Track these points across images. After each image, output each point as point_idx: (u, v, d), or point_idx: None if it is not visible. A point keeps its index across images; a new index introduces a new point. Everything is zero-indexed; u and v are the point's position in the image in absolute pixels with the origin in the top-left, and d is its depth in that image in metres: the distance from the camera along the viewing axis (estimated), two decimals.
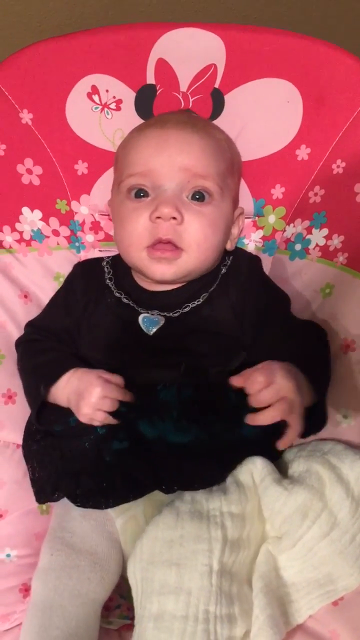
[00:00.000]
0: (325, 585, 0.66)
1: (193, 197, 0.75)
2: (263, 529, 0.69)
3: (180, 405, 0.71)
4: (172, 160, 0.74)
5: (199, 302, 0.78)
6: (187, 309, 0.77)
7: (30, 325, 0.84)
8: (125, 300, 0.79)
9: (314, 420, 0.70)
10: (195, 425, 0.71)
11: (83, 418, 0.71)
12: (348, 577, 0.66)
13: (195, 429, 0.70)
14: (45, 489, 0.74)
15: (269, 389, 0.64)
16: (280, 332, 0.75)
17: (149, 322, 0.77)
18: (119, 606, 0.76)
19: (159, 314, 0.77)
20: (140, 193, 0.75)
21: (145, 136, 0.76)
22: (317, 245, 0.84)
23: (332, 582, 0.66)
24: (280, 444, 0.67)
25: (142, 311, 0.78)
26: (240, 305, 0.77)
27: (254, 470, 0.68)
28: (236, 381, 0.64)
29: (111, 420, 0.70)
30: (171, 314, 0.77)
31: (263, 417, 0.64)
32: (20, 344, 0.83)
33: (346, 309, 0.78)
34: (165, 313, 0.77)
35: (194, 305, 0.78)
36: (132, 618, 0.73)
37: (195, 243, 0.74)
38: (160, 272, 0.75)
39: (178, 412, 0.71)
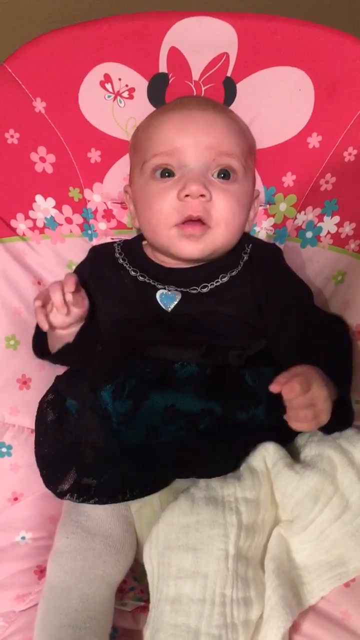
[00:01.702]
0: (337, 568, 0.67)
1: (218, 176, 0.76)
2: (275, 512, 0.70)
3: (196, 382, 0.72)
4: (198, 139, 0.75)
5: (218, 284, 0.78)
6: (205, 289, 0.78)
7: None
8: (141, 278, 0.80)
9: (339, 417, 0.67)
10: (209, 398, 0.71)
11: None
12: (359, 559, 0.67)
13: (209, 401, 0.71)
14: (57, 476, 0.73)
15: (303, 397, 0.62)
16: (306, 326, 0.75)
17: (166, 298, 0.77)
18: (132, 588, 0.76)
19: (176, 289, 0.78)
20: (166, 173, 0.76)
21: (168, 117, 0.77)
22: (328, 232, 0.85)
23: (343, 564, 0.67)
24: (274, 387, 0.63)
25: (159, 286, 0.78)
26: (265, 296, 0.78)
27: (266, 455, 0.69)
28: (274, 388, 0.62)
29: (40, 317, 0.74)
30: (188, 289, 0.78)
31: (293, 423, 0.63)
32: None
33: (358, 295, 0.78)
34: (182, 288, 0.78)
35: (212, 286, 0.78)
36: (146, 600, 0.74)
37: (223, 220, 0.75)
38: (189, 250, 0.76)
39: (193, 388, 0.72)
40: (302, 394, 0.61)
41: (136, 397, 0.72)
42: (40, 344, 0.82)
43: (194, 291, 0.78)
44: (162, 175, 0.76)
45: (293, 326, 0.76)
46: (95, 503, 0.69)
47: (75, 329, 0.78)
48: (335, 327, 0.77)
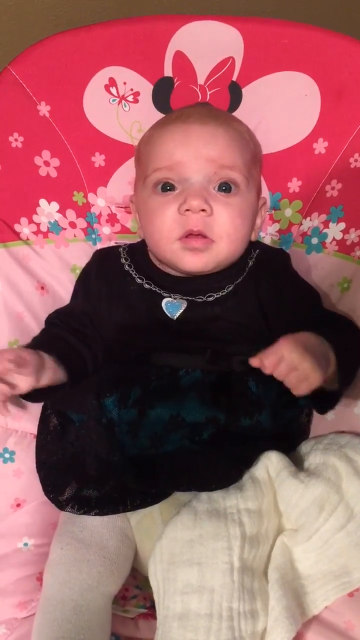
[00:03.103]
0: (341, 577, 0.67)
1: (220, 189, 0.75)
2: (278, 522, 0.69)
3: (200, 389, 0.72)
4: (198, 153, 0.74)
5: (224, 293, 0.78)
6: (211, 299, 0.77)
7: (55, 311, 0.85)
8: (147, 286, 0.80)
9: (327, 399, 0.71)
10: (214, 406, 0.71)
11: None
12: None
13: (213, 409, 0.71)
14: (58, 486, 0.73)
15: (281, 365, 0.63)
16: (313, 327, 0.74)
17: (172, 306, 0.77)
18: (134, 596, 0.76)
19: (181, 298, 0.78)
20: (167, 187, 0.75)
21: (168, 131, 0.76)
22: (334, 239, 0.84)
23: (347, 574, 0.66)
24: (254, 361, 0.65)
25: (165, 295, 0.78)
26: (271, 302, 0.77)
27: (269, 464, 0.69)
28: (254, 363, 0.64)
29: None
30: (194, 298, 0.78)
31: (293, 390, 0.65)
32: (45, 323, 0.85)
33: None
34: (188, 297, 0.78)
35: (218, 295, 0.78)
36: (148, 607, 0.74)
37: (225, 234, 0.75)
38: (192, 263, 0.75)
39: (197, 395, 0.72)
40: (275, 364, 0.63)
41: (141, 406, 0.72)
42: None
43: (200, 300, 0.77)
44: (164, 189, 0.76)
45: (305, 329, 0.75)
46: (96, 514, 0.69)
47: (59, 371, 0.74)
48: (348, 325, 0.77)
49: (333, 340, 0.69)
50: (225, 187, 0.75)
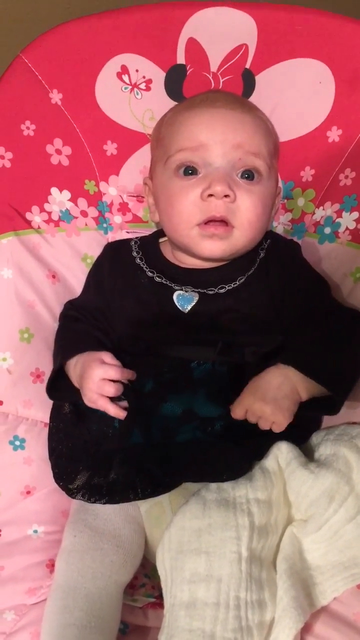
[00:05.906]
0: (350, 569, 0.66)
1: (243, 176, 0.74)
2: (288, 512, 0.69)
3: (213, 382, 0.72)
4: (225, 137, 0.73)
5: (236, 285, 0.77)
6: (222, 290, 0.77)
7: (69, 302, 0.86)
8: (158, 279, 0.79)
9: (324, 404, 0.71)
10: (226, 401, 0.71)
11: (87, 403, 0.73)
12: None
13: (226, 404, 0.71)
14: (68, 473, 0.74)
15: (248, 414, 0.70)
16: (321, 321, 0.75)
17: (183, 299, 0.77)
18: (143, 585, 0.76)
19: (193, 290, 0.77)
20: (189, 170, 0.74)
21: (196, 113, 0.76)
22: (347, 228, 0.83)
23: (357, 565, 0.66)
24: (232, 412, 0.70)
25: (176, 288, 0.78)
26: (280, 293, 0.77)
27: (279, 454, 0.68)
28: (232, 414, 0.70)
29: (114, 411, 0.72)
30: (206, 290, 0.77)
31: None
32: (60, 318, 0.85)
33: None
34: (200, 289, 0.77)
35: (230, 287, 0.77)
36: (157, 597, 0.74)
37: (247, 221, 0.74)
38: (210, 249, 0.75)
39: (210, 388, 0.72)
40: (244, 412, 0.69)
41: (154, 400, 0.72)
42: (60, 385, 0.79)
43: (211, 292, 0.77)
44: (186, 173, 0.75)
45: (308, 322, 0.75)
46: (106, 502, 0.69)
47: None
48: (351, 321, 0.76)
49: (315, 358, 0.71)
50: (249, 175, 0.75)
